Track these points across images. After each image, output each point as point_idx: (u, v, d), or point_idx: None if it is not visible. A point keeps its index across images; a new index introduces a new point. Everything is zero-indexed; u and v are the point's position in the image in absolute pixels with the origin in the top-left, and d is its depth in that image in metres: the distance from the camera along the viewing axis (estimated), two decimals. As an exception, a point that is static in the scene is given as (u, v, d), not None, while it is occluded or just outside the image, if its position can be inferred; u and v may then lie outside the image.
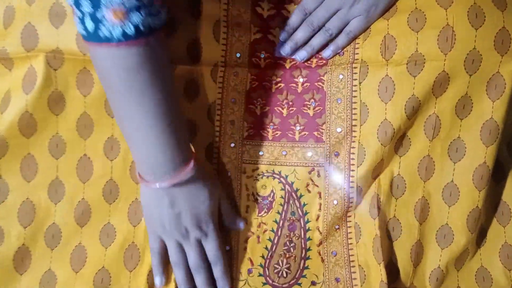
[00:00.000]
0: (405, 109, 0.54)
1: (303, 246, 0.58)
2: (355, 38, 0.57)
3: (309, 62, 0.59)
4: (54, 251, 0.55)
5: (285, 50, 0.59)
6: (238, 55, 0.58)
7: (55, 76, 0.53)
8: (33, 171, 0.54)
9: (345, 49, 0.58)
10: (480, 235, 0.60)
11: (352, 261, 0.57)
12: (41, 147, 0.54)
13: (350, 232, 0.58)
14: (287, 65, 0.60)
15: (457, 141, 0.55)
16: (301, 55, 0.59)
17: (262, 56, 0.60)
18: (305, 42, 0.59)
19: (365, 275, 0.56)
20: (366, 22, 0.56)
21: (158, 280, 0.55)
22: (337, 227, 0.58)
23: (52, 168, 0.55)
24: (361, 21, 0.56)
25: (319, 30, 0.58)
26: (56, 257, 0.55)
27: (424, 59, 0.53)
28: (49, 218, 0.55)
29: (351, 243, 0.57)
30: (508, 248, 0.59)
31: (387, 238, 0.57)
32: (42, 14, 0.52)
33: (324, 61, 0.59)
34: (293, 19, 0.58)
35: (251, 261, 0.58)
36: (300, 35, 0.58)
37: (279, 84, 0.59)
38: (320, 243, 0.58)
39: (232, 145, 0.59)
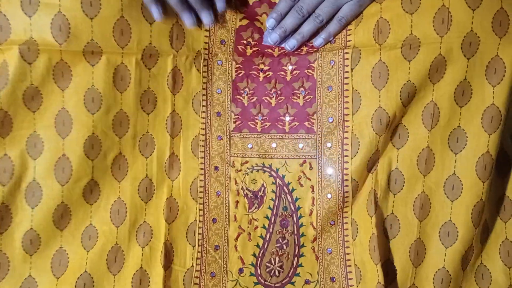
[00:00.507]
0: (400, 95, 0.51)
1: (296, 242, 0.56)
2: (347, 24, 0.55)
3: (299, 50, 0.57)
4: (34, 256, 0.54)
5: (273, 38, 0.56)
6: (222, 42, 0.56)
7: (30, 70, 0.50)
8: (9, 174, 0.52)
9: (337, 36, 0.55)
10: (483, 231, 0.57)
11: (348, 260, 0.55)
12: (18, 146, 0.52)
13: (346, 229, 0.55)
14: (275, 53, 0.57)
15: (458, 130, 0.52)
16: (290, 43, 0.56)
17: (249, 43, 0.57)
18: (295, 30, 0.56)
19: (361, 275, 0.54)
20: (358, 6, 0.53)
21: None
22: (332, 222, 0.56)
23: (29, 170, 0.53)
24: (353, 6, 0.53)
25: (309, 16, 0.55)
26: (36, 263, 0.54)
27: (420, 42, 0.50)
28: (25, 223, 0.53)
29: (347, 241, 0.56)
30: (509, 244, 0.57)
31: (384, 237, 0.55)
32: (14, 2, 0.49)
33: (314, 48, 0.56)
34: (281, 5, 0.56)
35: (242, 260, 0.56)
36: (289, 22, 0.55)
37: (267, 73, 0.57)
38: (315, 239, 0.56)
39: (219, 137, 0.56)
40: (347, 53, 0.54)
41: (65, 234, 0.54)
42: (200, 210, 0.57)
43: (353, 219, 0.55)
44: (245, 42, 0.57)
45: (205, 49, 0.55)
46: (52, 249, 0.54)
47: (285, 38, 0.56)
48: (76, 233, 0.55)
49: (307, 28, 0.55)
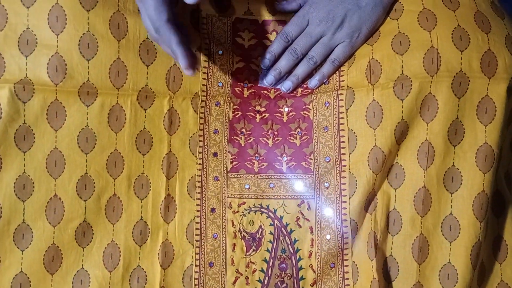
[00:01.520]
0: (394, 134, 0.52)
1: (295, 286, 0.55)
2: (340, 65, 0.56)
3: (294, 91, 0.58)
4: None
5: (269, 80, 0.57)
6: (220, 84, 0.57)
7: (24, 109, 0.50)
8: None
9: (330, 77, 0.57)
10: (480, 272, 0.56)
11: None
12: (6, 188, 0.50)
13: (347, 272, 0.54)
14: (272, 95, 0.58)
15: (452, 169, 0.53)
16: (286, 85, 0.57)
17: (245, 85, 0.58)
18: (289, 71, 0.58)
19: None
20: (350, 48, 0.56)
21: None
22: (332, 265, 0.54)
23: (18, 212, 0.51)
24: (346, 48, 0.55)
25: (302, 58, 0.57)
26: None
27: (411, 82, 0.51)
28: (15, 266, 0.50)
29: (348, 285, 0.54)
30: (505, 286, 0.56)
31: (384, 280, 0.53)
32: (11, 41, 0.50)
33: (309, 90, 0.57)
34: (275, 46, 0.57)
35: (240, 305, 0.54)
36: (283, 63, 0.57)
37: (263, 114, 0.58)
38: (314, 283, 0.55)
39: (216, 178, 0.56)
40: (341, 94, 0.55)
41: (55, 278, 0.51)
42: (196, 254, 0.55)
43: (354, 262, 0.54)
44: (241, 84, 0.58)
45: (203, 91, 0.56)
46: None
47: (280, 79, 0.58)
48: (67, 277, 0.52)
49: (301, 70, 0.57)
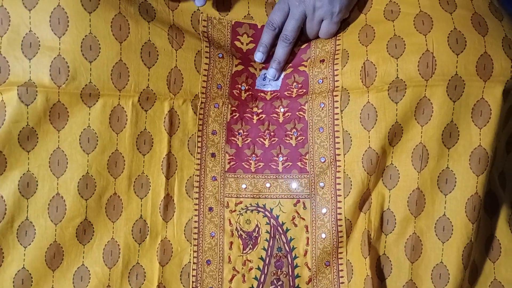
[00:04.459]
0: (388, 136, 0.53)
1: (291, 284, 0.55)
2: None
3: (289, 92, 0.59)
4: None
5: (271, 73, 0.59)
6: (219, 86, 0.58)
7: (27, 112, 0.50)
8: (1, 213, 0.51)
9: (324, 77, 0.57)
10: (471, 271, 0.57)
11: None
12: (11, 186, 0.51)
13: (341, 270, 0.55)
14: (268, 96, 0.59)
15: (446, 171, 0.53)
16: (270, 73, 0.59)
17: (243, 88, 0.59)
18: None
19: None
20: (334, 25, 0.58)
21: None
22: (327, 263, 0.55)
23: (21, 209, 0.52)
24: (329, 25, 0.58)
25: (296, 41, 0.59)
26: None
27: (406, 85, 0.52)
28: (18, 262, 0.52)
29: (342, 283, 0.55)
30: (498, 285, 0.57)
31: (377, 278, 0.54)
32: (15, 44, 0.50)
33: (304, 90, 0.58)
34: (264, 37, 0.59)
35: (236, 302, 0.55)
36: (280, 52, 0.59)
37: (260, 115, 0.59)
38: (310, 281, 0.55)
39: (214, 178, 0.57)
40: (336, 95, 0.56)
41: (56, 274, 0.53)
42: (194, 252, 0.56)
43: (348, 260, 0.55)
44: (239, 86, 0.59)
45: (203, 93, 0.57)
46: None
47: (281, 70, 0.59)
48: (67, 274, 0.53)
49: (280, 52, 0.59)
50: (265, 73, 0.60)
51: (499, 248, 0.57)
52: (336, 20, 0.57)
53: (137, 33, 0.53)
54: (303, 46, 0.60)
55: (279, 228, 0.56)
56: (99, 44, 0.51)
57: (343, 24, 0.59)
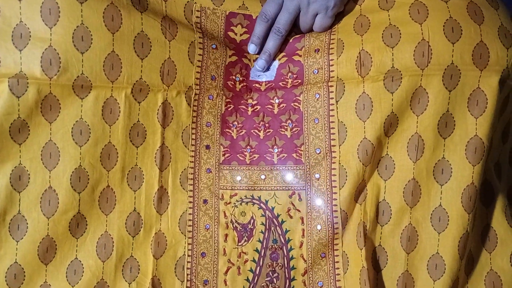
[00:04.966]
0: (384, 127, 0.53)
1: (287, 276, 0.55)
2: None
3: (284, 82, 0.58)
4: None
5: (260, 64, 0.59)
6: (213, 77, 0.57)
7: (18, 104, 0.50)
8: None
9: (319, 67, 0.57)
10: (468, 262, 0.57)
11: None
12: (2, 179, 0.51)
13: (337, 262, 0.55)
14: (262, 87, 0.58)
15: (442, 161, 0.53)
16: (260, 64, 0.59)
17: (237, 79, 0.58)
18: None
19: None
20: (328, 19, 0.57)
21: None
22: (323, 255, 0.55)
23: (13, 202, 0.51)
24: (323, 19, 0.57)
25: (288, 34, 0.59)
26: None
27: (401, 75, 0.51)
28: (10, 256, 0.51)
29: (338, 274, 0.55)
30: (494, 275, 0.56)
31: (373, 269, 0.54)
32: (5, 35, 0.50)
33: (299, 81, 0.58)
34: (258, 29, 0.59)
35: (231, 294, 0.55)
36: (271, 44, 0.58)
37: (255, 107, 0.58)
38: (305, 272, 0.55)
39: (208, 170, 0.56)
40: (331, 86, 0.55)
41: (50, 268, 0.52)
42: (189, 244, 0.55)
43: (344, 251, 0.55)
44: (234, 77, 0.58)
45: (196, 84, 0.56)
46: (36, 284, 0.52)
47: (271, 62, 0.59)
48: (61, 268, 0.53)
49: (271, 44, 0.59)
50: None
51: (495, 238, 0.57)
52: (330, 14, 0.57)
53: (129, 24, 0.52)
54: (297, 36, 0.60)
55: (274, 220, 0.56)
56: (91, 35, 0.50)
57: (338, 16, 0.58)
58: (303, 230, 0.56)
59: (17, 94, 0.49)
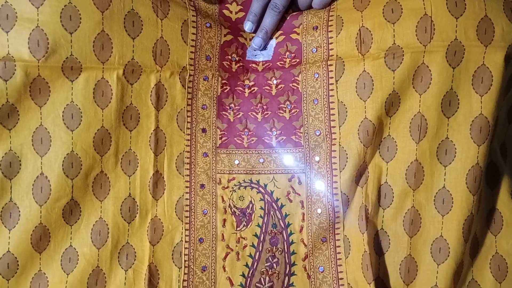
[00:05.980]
0: (385, 106, 0.51)
1: (287, 261, 0.54)
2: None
3: (282, 62, 0.56)
4: (11, 281, 0.50)
5: (257, 42, 0.57)
6: (208, 57, 0.55)
7: (6, 88, 0.48)
8: None
9: (318, 45, 0.55)
10: (473, 245, 0.56)
11: (341, 278, 0.53)
12: None
13: (338, 246, 0.54)
14: (260, 68, 0.57)
15: (446, 142, 0.51)
16: (256, 42, 0.58)
17: (233, 59, 0.57)
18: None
19: None
20: None
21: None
22: (324, 239, 0.54)
23: (5, 190, 0.50)
24: None
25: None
26: None
27: (403, 52, 0.50)
28: (2, 246, 0.50)
29: (339, 259, 0.54)
30: (499, 259, 0.55)
31: (375, 254, 0.53)
32: None
33: (297, 60, 0.56)
34: (254, 6, 0.57)
35: (230, 280, 0.54)
36: (267, 21, 0.57)
37: (252, 88, 0.57)
38: (306, 257, 0.54)
39: (205, 154, 0.55)
40: (330, 65, 0.54)
41: (44, 256, 0.51)
42: (186, 230, 0.54)
43: (345, 235, 0.54)
44: (229, 58, 0.57)
45: (191, 65, 0.55)
46: (30, 273, 0.51)
47: (268, 39, 0.57)
48: (55, 256, 0.52)
49: (268, 21, 0.57)
50: None
51: (501, 220, 0.55)
52: None
53: (119, 1, 0.50)
54: (294, 13, 0.58)
55: (273, 204, 0.55)
56: (80, 14, 0.49)
57: None
58: (303, 214, 0.54)
59: (5, 77, 0.48)
